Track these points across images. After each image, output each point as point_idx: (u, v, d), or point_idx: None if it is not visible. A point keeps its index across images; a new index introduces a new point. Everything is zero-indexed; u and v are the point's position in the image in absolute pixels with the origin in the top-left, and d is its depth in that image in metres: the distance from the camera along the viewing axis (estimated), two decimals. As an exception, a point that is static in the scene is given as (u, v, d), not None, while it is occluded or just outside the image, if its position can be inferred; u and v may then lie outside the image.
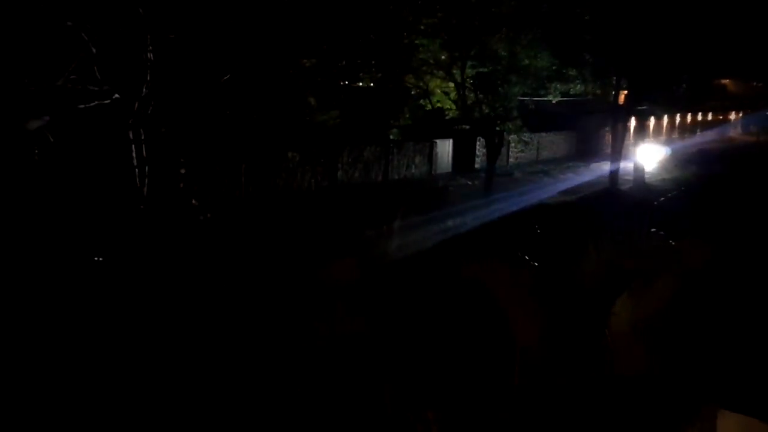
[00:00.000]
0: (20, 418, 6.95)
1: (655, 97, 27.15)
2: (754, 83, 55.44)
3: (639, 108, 28.67)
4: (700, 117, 57.62)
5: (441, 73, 21.19)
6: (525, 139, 25.99)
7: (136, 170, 16.33)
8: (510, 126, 22.10)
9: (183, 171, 16.37)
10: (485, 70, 20.95)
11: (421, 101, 22.67)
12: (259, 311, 9.41)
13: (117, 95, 14.49)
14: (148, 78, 15.28)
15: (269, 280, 11.67)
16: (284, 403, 6.75)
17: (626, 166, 28.84)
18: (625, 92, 30.61)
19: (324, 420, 6.26)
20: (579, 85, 23.48)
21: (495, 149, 22.55)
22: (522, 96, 23.10)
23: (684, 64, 25.15)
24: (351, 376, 6.26)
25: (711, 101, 51.56)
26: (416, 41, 20.05)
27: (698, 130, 56.93)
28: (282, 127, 19.39)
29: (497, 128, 21.93)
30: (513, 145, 29.68)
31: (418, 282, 8.05)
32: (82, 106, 13.84)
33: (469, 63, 20.62)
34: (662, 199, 23.19)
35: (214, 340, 8.52)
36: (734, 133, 59.33)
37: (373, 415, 6.02)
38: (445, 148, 29.32)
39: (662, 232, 13.03)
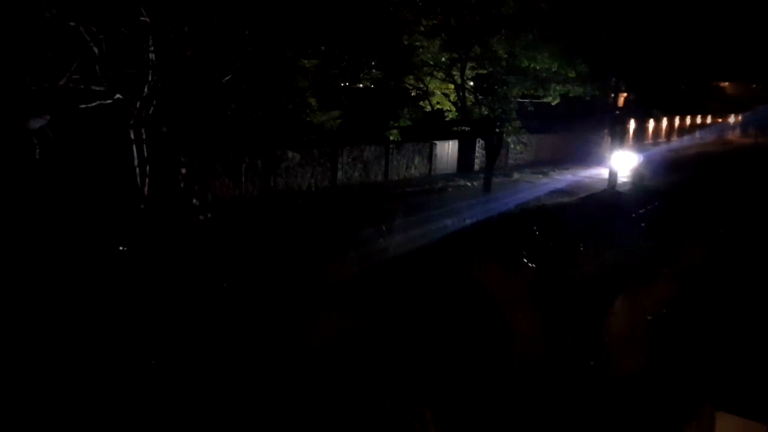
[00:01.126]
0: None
1: (654, 99, 27.22)
2: (753, 85, 55.59)
3: (638, 110, 28.76)
4: (699, 120, 57.75)
5: (441, 74, 21.24)
6: (524, 140, 26.05)
7: (137, 170, 16.38)
8: (509, 127, 22.16)
9: (183, 171, 16.42)
10: (484, 71, 21.00)
11: (421, 102, 22.71)
12: (256, 310, 9.44)
13: (119, 95, 14.54)
14: (150, 78, 15.33)
15: (266, 280, 11.71)
16: (282, 401, 6.80)
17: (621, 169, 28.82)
18: (625, 95, 30.70)
19: (323, 418, 6.31)
20: (578, 87, 23.50)
21: (494, 151, 22.60)
22: (521, 98, 23.14)
23: (683, 67, 25.21)
24: (350, 374, 6.31)
25: (710, 104, 51.72)
26: (416, 43, 20.09)
27: (692, 133, 56.97)
28: (283, 127, 19.43)
29: (496, 130, 21.99)
30: (512, 146, 29.77)
31: (417, 281, 8.10)
32: (83, 105, 13.87)
33: (469, 64, 20.67)
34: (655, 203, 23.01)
35: (211, 339, 8.55)
36: (732, 135, 59.42)
37: (372, 414, 6.07)
38: (444, 149, 29.40)
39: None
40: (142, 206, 16.24)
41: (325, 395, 6.40)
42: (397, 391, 6.04)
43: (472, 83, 21.46)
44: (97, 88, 14.08)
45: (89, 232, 13.63)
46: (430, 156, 29.24)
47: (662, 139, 50.43)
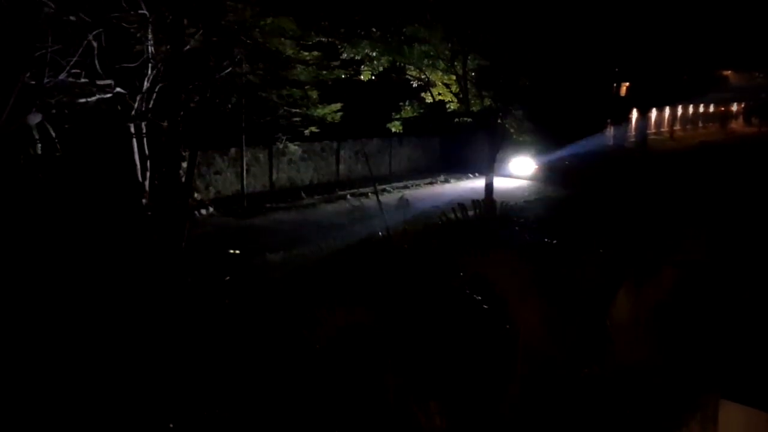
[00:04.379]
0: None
1: (655, 90, 27.05)
2: (757, 74, 55.26)
3: (642, 100, 28.59)
4: (702, 109, 57.53)
5: (442, 65, 21.11)
6: (526, 132, 25.87)
7: (138, 164, 16.37)
8: (512, 119, 22.05)
9: (184, 165, 16.40)
10: (486, 63, 20.85)
11: (423, 94, 22.61)
12: (258, 305, 9.44)
13: (119, 89, 14.52)
14: (149, 72, 15.29)
15: (267, 274, 11.72)
16: (286, 392, 6.80)
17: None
18: (627, 84, 30.55)
19: (326, 410, 6.31)
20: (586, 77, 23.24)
21: (496, 142, 22.50)
22: (521, 88, 22.94)
23: (685, 56, 25.06)
24: (354, 365, 6.31)
25: (713, 93, 51.48)
26: (418, 34, 19.96)
27: (696, 122, 56.50)
28: (284, 120, 19.41)
29: (498, 121, 21.88)
30: (515, 137, 29.63)
31: (420, 273, 8.08)
32: (83, 100, 13.85)
33: (470, 56, 20.51)
34: None
35: (214, 333, 8.54)
36: (735, 124, 59.17)
37: (376, 405, 6.06)
38: (446, 141, 29.36)
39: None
40: (144, 201, 16.25)
41: (328, 387, 6.40)
42: (402, 383, 6.03)
43: (474, 74, 21.30)
44: (99, 82, 14.05)
45: (89, 228, 13.63)
46: (432, 149, 29.21)
47: (665, 129, 50.21)
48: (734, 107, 61.52)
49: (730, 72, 53.58)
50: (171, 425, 6.88)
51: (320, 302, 6.32)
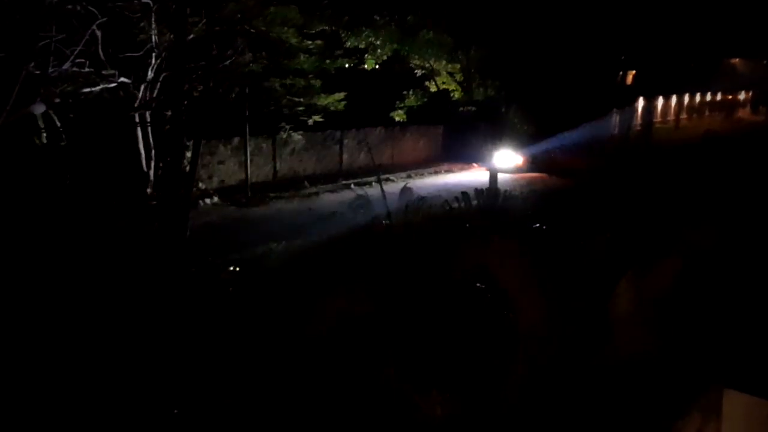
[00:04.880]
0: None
1: (662, 77, 26.76)
2: (764, 62, 54.73)
3: (647, 89, 28.31)
4: (709, 97, 57.08)
5: (446, 54, 20.97)
6: (529, 121, 25.67)
7: (142, 154, 16.38)
8: (515, 108, 21.92)
9: (188, 154, 16.42)
10: (487, 54, 20.69)
11: (426, 83, 22.50)
12: (263, 292, 9.47)
13: (123, 79, 14.51)
14: (153, 61, 15.27)
15: (271, 263, 11.74)
16: (288, 382, 6.84)
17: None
18: (633, 72, 30.31)
19: (327, 398, 6.36)
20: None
21: (499, 131, 22.37)
22: (525, 76, 22.75)
23: (692, 44, 24.79)
24: (356, 355, 6.34)
25: (719, 81, 51.04)
26: (421, 23, 19.83)
27: (700, 112, 56.07)
28: (287, 110, 19.35)
29: (502, 110, 21.76)
30: (519, 126, 29.44)
31: (423, 264, 8.09)
32: (87, 90, 13.85)
33: (474, 46, 20.35)
34: None
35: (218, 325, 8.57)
36: (743, 113, 58.69)
37: (377, 394, 6.10)
38: (450, 130, 29.25)
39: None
40: (148, 191, 16.28)
41: (329, 377, 6.44)
42: (403, 372, 6.06)
43: (477, 63, 21.15)
44: (104, 72, 14.04)
45: (94, 217, 13.67)
46: (435, 138, 29.15)
47: (671, 117, 49.84)
48: (741, 95, 60.96)
49: (737, 60, 53.07)
50: (175, 411, 6.94)
51: (322, 292, 6.34)
